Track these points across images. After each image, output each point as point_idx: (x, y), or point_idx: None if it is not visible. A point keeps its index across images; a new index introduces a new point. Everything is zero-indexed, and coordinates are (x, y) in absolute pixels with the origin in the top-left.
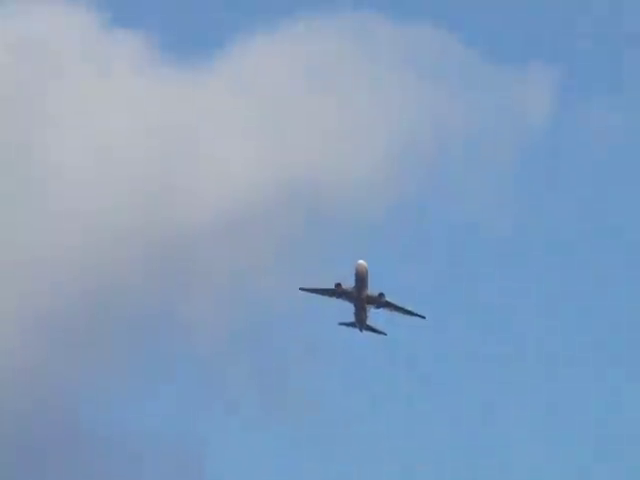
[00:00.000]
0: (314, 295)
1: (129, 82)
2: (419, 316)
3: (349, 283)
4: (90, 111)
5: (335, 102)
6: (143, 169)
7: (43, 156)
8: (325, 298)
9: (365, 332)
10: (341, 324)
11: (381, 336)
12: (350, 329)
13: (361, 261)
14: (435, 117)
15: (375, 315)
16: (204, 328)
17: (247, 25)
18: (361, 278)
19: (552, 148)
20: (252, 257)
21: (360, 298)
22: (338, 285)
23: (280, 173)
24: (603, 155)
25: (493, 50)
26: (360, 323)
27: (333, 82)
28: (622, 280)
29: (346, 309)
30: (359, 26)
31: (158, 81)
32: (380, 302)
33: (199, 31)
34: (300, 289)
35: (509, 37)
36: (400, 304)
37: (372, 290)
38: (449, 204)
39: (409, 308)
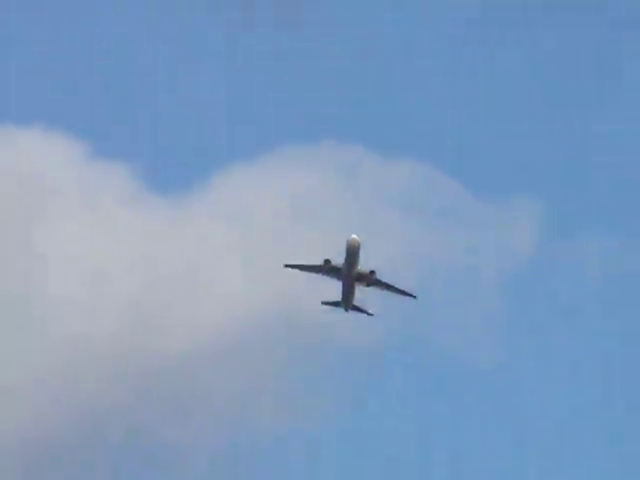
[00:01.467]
0: (301, 272)
1: (115, 213)
2: (410, 295)
3: (339, 261)
4: (77, 241)
5: (319, 234)
6: (132, 297)
7: (31, 285)
8: (312, 276)
9: (351, 312)
10: (325, 303)
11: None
12: (334, 309)
13: (353, 235)
14: (418, 249)
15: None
16: (201, 452)
17: (230, 156)
18: (352, 253)
19: (536, 281)
20: (249, 381)
21: (350, 275)
22: (327, 261)
23: (268, 301)
24: (587, 289)
25: (477, 183)
26: (346, 303)
27: (316, 215)
28: (613, 411)
29: (332, 288)
30: (342, 159)
31: (143, 211)
32: (371, 280)
33: (183, 161)
34: (285, 266)
35: (493, 170)
36: (391, 282)
37: (363, 267)
38: (433, 336)
39: (400, 287)
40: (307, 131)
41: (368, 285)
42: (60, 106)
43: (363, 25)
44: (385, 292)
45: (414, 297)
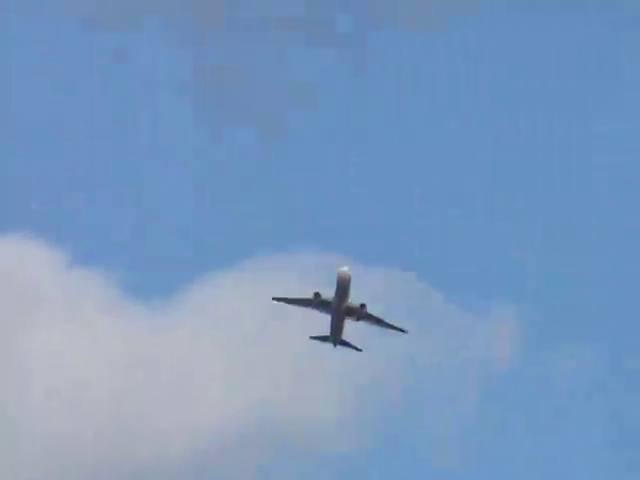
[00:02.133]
0: (289, 306)
1: (94, 320)
2: (400, 330)
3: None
4: (59, 349)
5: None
6: (112, 404)
7: (10, 392)
8: (300, 309)
9: (339, 347)
10: (313, 338)
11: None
12: (322, 344)
13: (344, 268)
14: (400, 358)
15: (351, 329)
16: None
17: (210, 262)
18: (343, 286)
19: (515, 390)
20: None
21: (340, 309)
22: (317, 294)
23: (249, 408)
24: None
25: (458, 292)
26: (335, 337)
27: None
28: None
29: (320, 323)
30: (321, 264)
31: (123, 318)
32: (361, 314)
33: (161, 268)
34: (274, 299)
35: (473, 280)
36: (381, 317)
37: (353, 301)
38: (414, 441)
39: (390, 322)
40: (286, 238)
41: (358, 319)
42: (41, 215)
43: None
44: (376, 327)
45: (405, 332)
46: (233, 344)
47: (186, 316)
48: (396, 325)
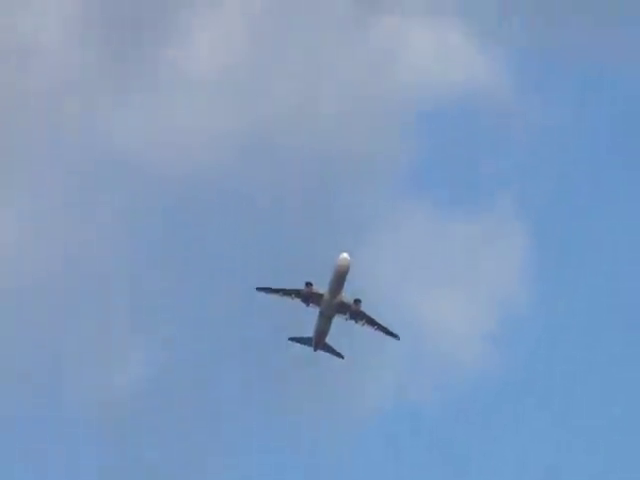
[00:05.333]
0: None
1: None
2: (393, 335)
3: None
4: None
5: None
6: None
7: None
8: (283, 300)
9: (319, 352)
10: (292, 339)
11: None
12: (301, 347)
13: (344, 254)
14: None
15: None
16: None
17: None
18: (341, 276)
19: None
20: None
21: (332, 303)
22: (309, 284)
23: None
24: None
25: None
26: (318, 339)
27: None
28: None
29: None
30: None
31: None
32: (355, 311)
33: None
34: (257, 289)
35: None
36: (375, 318)
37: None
38: None
39: (384, 324)
40: None
41: (351, 317)
42: None
43: None
44: (367, 329)
45: (397, 338)
46: None
47: None
48: (389, 329)
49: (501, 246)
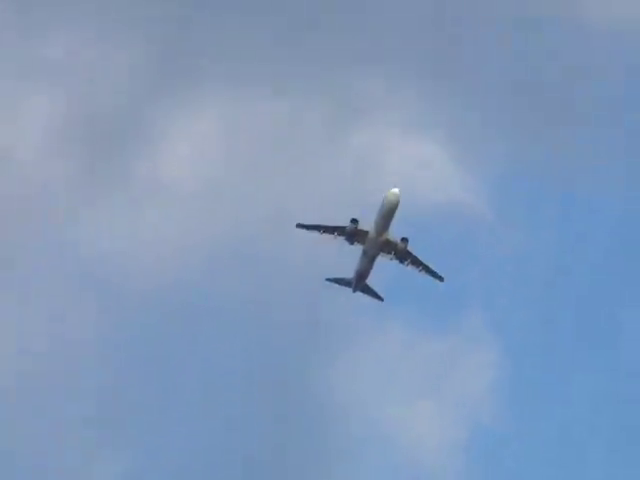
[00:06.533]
0: (312, 234)
1: None
2: (438, 277)
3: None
4: None
5: None
6: None
7: None
8: (324, 239)
9: (358, 294)
10: (330, 280)
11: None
12: (339, 288)
13: (394, 189)
14: None
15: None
16: None
17: None
18: (390, 211)
19: None
20: None
21: (377, 241)
22: (354, 221)
23: None
24: None
25: None
26: (359, 279)
27: None
28: None
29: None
30: None
31: None
32: (401, 250)
33: None
34: (297, 225)
35: None
36: (421, 258)
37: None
38: None
39: (430, 265)
40: None
41: (397, 257)
42: None
43: None
44: (410, 269)
45: (442, 280)
46: None
47: None
48: (434, 270)
49: (470, 362)
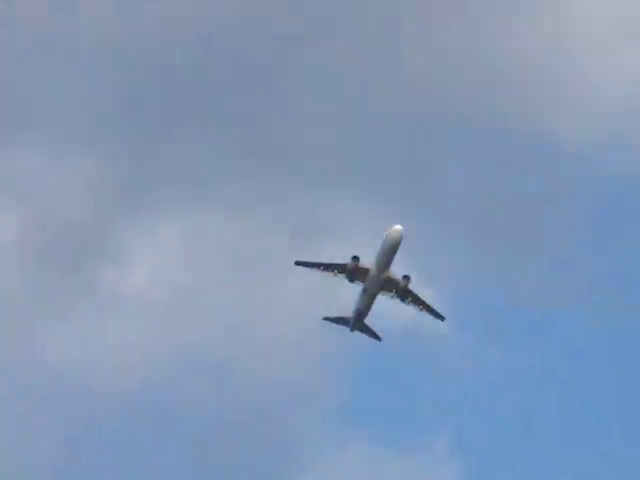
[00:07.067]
0: (311, 271)
1: None
2: (439, 316)
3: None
4: None
5: None
6: None
7: None
8: (324, 277)
9: (356, 333)
10: (327, 319)
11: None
12: (336, 327)
13: (397, 226)
14: None
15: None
16: None
17: None
18: (392, 248)
19: None
20: None
21: (379, 279)
22: (356, 258)
23: None
24: None
25: None
26: (358, 318)
27: None
28: None
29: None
30: None
31: None
32: (403, 288)
33: None
34: (296, 263)
35: None
36: (422, 297)
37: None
38: None
39: (430, 304)
40: None
41: (398, 295)
42: None
43: None
44: (412, 307)
45: (443, 319)
46: None
47: None
48: (435, 310)
49: None
